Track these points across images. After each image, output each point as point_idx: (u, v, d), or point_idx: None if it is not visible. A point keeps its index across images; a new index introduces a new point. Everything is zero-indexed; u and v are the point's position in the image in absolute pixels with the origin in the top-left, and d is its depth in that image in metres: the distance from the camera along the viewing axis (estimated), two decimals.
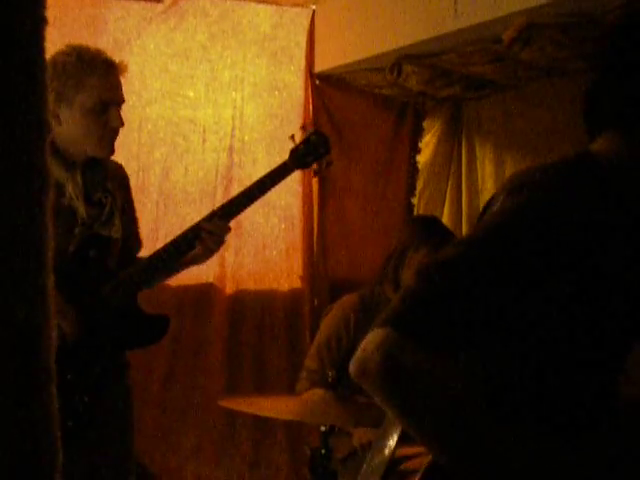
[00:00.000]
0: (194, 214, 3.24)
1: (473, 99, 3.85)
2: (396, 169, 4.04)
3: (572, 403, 1.17)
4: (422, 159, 4.06)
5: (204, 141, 3.72)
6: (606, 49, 1.28)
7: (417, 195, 4.07)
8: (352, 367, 1.11)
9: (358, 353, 1.09)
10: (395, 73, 3.48)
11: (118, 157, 3.49)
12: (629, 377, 1.22)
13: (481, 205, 1.40)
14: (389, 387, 1.08)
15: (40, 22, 0.66)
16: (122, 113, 2.33)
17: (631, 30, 1.25)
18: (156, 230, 3.55)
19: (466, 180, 3.93)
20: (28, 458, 0.59)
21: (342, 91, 3.93)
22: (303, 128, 2.64)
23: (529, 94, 3.54)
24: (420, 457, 2.17)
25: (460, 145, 3.99)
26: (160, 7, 3.61)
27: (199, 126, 3.72)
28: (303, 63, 3.87)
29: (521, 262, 1.11)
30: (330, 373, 2.56)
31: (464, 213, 3.92)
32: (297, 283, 3.86)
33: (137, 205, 3.57)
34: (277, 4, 3.83)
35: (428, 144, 4.05)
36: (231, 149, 3.73)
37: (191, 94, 3.72)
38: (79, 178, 2.28)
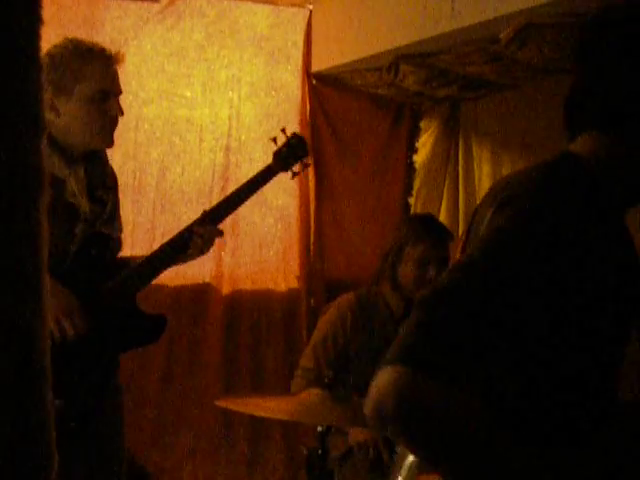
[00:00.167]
0: (191, 213, 3.24)
1: (470, 99, 3.85)
2: (393, 169, 4.05)
3: (583, 415, 1.17)
4: (419, 159, 4.06)
5: (201, 141, 3.72)
6: (584, 48, 1.26)
7: (414, 195, 4.07)
8: (367, 409, 1.06)
9: (372, 394, 1.05)
10: (392, 73, 3.48)
11: (115, 157, 3.50)
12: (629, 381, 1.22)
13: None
14: (410, 429, 1.05)
15: (36, 21, 0.66)
16: None
17: (608, 28, 1.23)
18: (153, 229, 3.55)
19: (463, 180, 3.93)
20: (23, 458, 0.59)
21: (339, 91, 3.93)
22: (283, 131, 2.66)
23: (526, 94, 3.54)
24: None
25: (457, 145, 3.99)
26: (157, 7, 3.61)
27: (196, 126, 3.72)
28: (300, 63, 3.87)
29: (525, 280, 1.08)
30: (327, 373, 2.55)
31: (461, 213, 3.92)
32: (294, 283, 3.86)
33: (134, 204, 3.59)
34: (274, 4, 3.83)
35: (425, 144, 4.05)
36: (228, 149, 3.73)
37: (188, 94, 3.71)
38: (82, 173, 2.26)
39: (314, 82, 3.90)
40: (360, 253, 3.93)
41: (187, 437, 3.61)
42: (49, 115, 2.15)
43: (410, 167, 4.07)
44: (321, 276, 3.90)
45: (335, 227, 3.95)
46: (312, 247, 3.91)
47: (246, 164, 3.73)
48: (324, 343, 2.95)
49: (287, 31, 3.87)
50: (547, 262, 1.09)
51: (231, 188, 3.50)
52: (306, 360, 2.97)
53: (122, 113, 2.30)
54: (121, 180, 3.47)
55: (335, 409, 2.29)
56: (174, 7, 3.64)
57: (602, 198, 1.18)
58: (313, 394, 2.54)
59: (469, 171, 3.91)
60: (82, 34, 3.27)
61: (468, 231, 1.29)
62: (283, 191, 3.81)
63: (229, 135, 3.74)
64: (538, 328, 1.10)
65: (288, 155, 2.61)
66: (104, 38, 3.41)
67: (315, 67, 3.88)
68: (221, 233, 2.50)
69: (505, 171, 3.65)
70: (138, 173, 3.59)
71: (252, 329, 3.78)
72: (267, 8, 3.83)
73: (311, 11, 3.87)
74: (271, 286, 3.85)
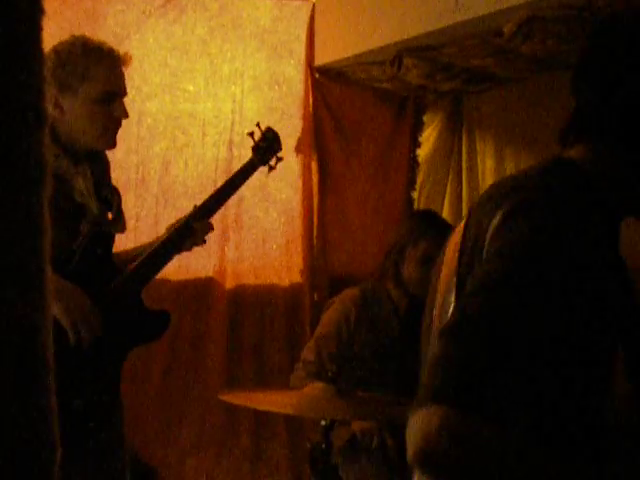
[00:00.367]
0: None
1: (474, 93, 3.84)
2: (396, 163, 4.04)
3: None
4: (422, 153, 4.05)
5: (204, 135, 3.71)
6: (586, 58, 1.24)
7: (417, 189, 4.06)
8: (412, 458, 0.99)
9: (415, 441, 0.97)
10: (395, 67, 3.47)
11: (118, 151, 3.49)
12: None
13: None
14: (466, 471, 0.99)
15: (37, 12, 0.65)
16: None
17: (610, 39, 1.21)
18: (156, 224, 3.54)
19: (466, 174, 3.93)
20: (26, 452, 0.59)
21: (342, 85, 3.92)
22: (258, 125, 2.70)
23: (530, 88, 3.53)
24: None
25: (460, 139, 3.98)
26: (159, 1, 3.60)
27: (199, 120, 3.71)
28: (303, 57, 3.86)
29: (555, 294, 1.02)
30: (330, 367, 2.55)
31: (464, 207, 3.91)
32: (297, 277, 3.86)
33: (137, 199, 3.59)
34: None
35: (428, 138, 4.04)
36: (231, 143, 3.72)
37: (191, 88, 3.71)
38: (89, 173, 2.26)
39: (317, 76, 3.89)
40: (363, 247, 3.92)
41: (190, 431, 3.62)
42: (53, 112, 2.14)
43: (413, 161, 4.06)
44: (324, 270, 3.89)
45: (338, 221, 3.95)
46: (315, 241, 3.90)
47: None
48: (327, 337, 2.95)
49: (290, 25, 3.86)
50: (578, 275, 1.04)
51: None
52: (308, 353, 2.97)
53: (127, 115, 2.30)
54: (124, 175, 3.50)
55: (339, 403, 2.29)
56: (177, 1, 3.63)
57: (602, 207, 1.16)
58: (317, 388, 2.54)
59: (472, 165, 3.90)
60: (85, 28, 3.27)
61: (464, 235, 1.22)
62: (286, 185, 3.80)
63: (232, 129, 3.73)
64: (577, 347, 1.04)
65: (266, 150, 2.66)
66: (106, 32, 3.40)
67: (318, 61, 3.87)
68: (212, 228, 2.55)
69: (508, 165, 3.65)
70: (141, 167, 3.58)
71: (255, 324, 3.78)
72: (270, 2, 3.81)
73: (314, 4, 3.86)
74: (274, 280, 3.85)
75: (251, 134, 2.67)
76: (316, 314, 3.61)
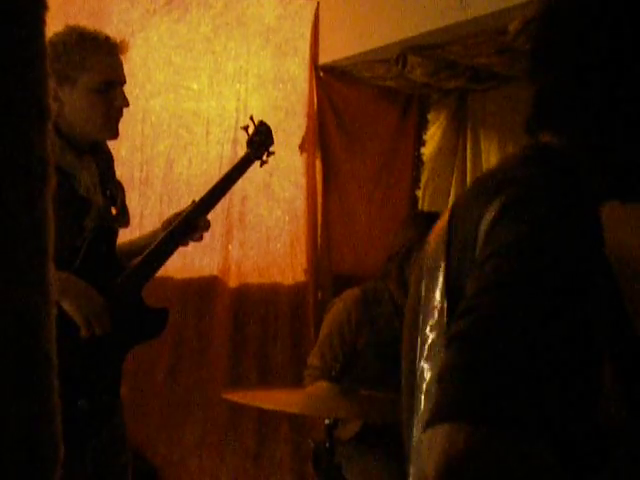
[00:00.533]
0: None
1: (478, 91, 3.83)
2: (401, 161, 4.03)
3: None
4: (427, 151, 4.05)
5: (208, 133, 3.71)
6: (541, 37, 1.16)
7: (422, 187, 4.06)
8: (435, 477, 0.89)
9: (435, 461, 0.88)
10: (400, 65, 3.46)
11: (122, 149, 3.50)
12: None
13: None
14: None
15: (41, 7, 0.65)
16: None
17: (564, 14, 1.12)
18: (160, 222, 3.53)
19: (471, 172, 3.92)
20: (28, 447, 0.58)
21: (347, 83, 3.91)
22: (251, 119, 2.68)
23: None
24: None
25: (465, 137, 3.97)
26: None
27: (203, 118, 3.71)
28: (307, 55, 3.85)
29: (570, 289, 0.95)
30: (334, 365, 2.55)
31: None
32: (301, 276, 3.85)
33: (141, 197, 3.59)
34: None
35: (433, 136, 4.04)
36: (235, 141, 3.72)
37: (195, 86, 3.70)
38: (94, 168, 2.25)
39: (321, 74, 3.88)
40: (368, 246, 3.92)
41: (194, 430, 3.62)
42: (53, 105, 2.12)
43: (418, 159, 4.05)
44: (328, 269, 3.89)
45: (343, 220, 3.94)
46: (320, 240, 3.90)
47: None
48: (331, 339, 2.94)
49: (294, 23, 3.86)
50: (586, 267, 0.98)
51: (238, 181, 3.51)
52: (313, 358, 2.96)
53: (127, 104, 2.28)
54: (128, 173, 3.50)
55: (342, 402, 2.28)
56: None
57: (587, 193, 1.10)
58: (320, 387, 2.53)
59: (477, 163, 3.89)
60: (88, 26, 3.27)
61: (449, 229, 1.16)
62: (290, 184, 3.80)
63: (236, 127, 3.72)
64: (588, 345, 0.97)
65: (260, 144, 2.64)
66: (111, 30, 3.39)
67: (322, 59, 3.86)
68: (209, 225, 2.53)
69: None
70: (145, 166, 3.58)
71: (259, 322, 3.78)
72: (274, 0, 3.81)
73: (318, 3, 3.86)
74: (278, 279, 3.84)
75: (245, 128, 2.66)
76: (320, 313, 3.61)
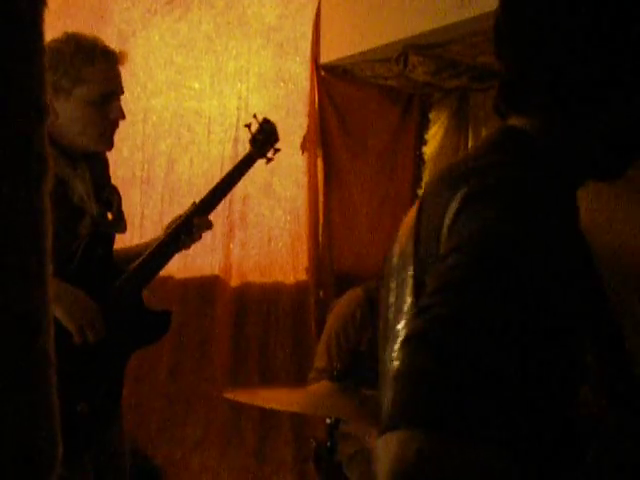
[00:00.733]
0: None
1: (480, 90, 3.82)
2: (402, 161, 4.03)
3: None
4: (428, 150, 4.04)
5: (209, 132, 3.71)
6: (506, 15, 1.12)
7: (423, 187, 4.05)
8: None
9: (390, 469, 0.84)
10: (401, 64, 3.46)
11: (123, 149, 3.50)
12: None
13: None
14: None
15: (40, 4, 0.65)
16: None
17: (522, 10, 1.09)
18: (161, 221, 3.54)
19: None
20: (27, 445, 0.58)
21: (348, 82, 3.91)
22: (255, 117, 2.64)
23: None
24: None
25: (467, 136, 3.97)
26: None
27: (204, 117, 3.71)
28: (309, 54, 3.85)
29: (532, 283, 0.90)
30: (336, 365, 2.55)
31: None
32: (302, 275, 3.85)
33: (142, 196, 3.59)
34: None
35: (434, 136, 4.03)
36: (236, 140, 3.72)
37: (196, 85, 3.70)
38: (87, 175, 2.23)
39: (323, 73, 3.88)
40: (369, 245, 3.91)
41: (195, 429, 3.62)
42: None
43: (419, 159, 4.05)
44: (330, 268, 3.88)
45: (344, 219, 3.94)
46: (321, 239, 3.89)
47: None
48: (336, 341, 2.94)
49: (296, 22, 3.85)
50: (552, 259, 0.92)
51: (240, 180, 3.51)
52: (319, 361, 2.96)
53: (123, 116, 2.25)
54: (129, 172, 3.51)
55: (344, 402, 2.28)
56: None
57: (560, 178, 1.08)
58: (322, 386, 2.53)
59: None
60: (90, 25, 3.28)
61: (417, 223, 1.13)
62: (292, 183, 3.80)
63: (237, 127, 3.72)
64: (559, 340, 0.93)
65: (263, 141, 2.60)
66: (112, 29, 3.40)
67: (324, 58, 3.86)
68: (211, 225, 2.50)
69: None
70: (146, 165, 3.59)
71: (260, 321, 3.78)
72: None
73: (320, 2, 3.85)
74: (280, 278, 3.84)
75: (248, 126, 2.62)
76: (321, 312, 3.61)
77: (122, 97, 2.28)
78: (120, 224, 2.37)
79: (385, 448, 0.85)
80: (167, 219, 3.52)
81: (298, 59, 3.85)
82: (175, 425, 3.60)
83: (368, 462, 2.78)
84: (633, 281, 2.95)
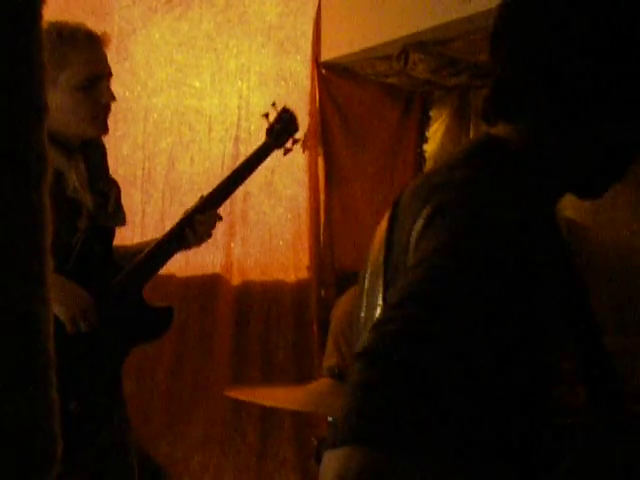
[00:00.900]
0: None
1: (481, 88, 3.82)
2: (403, 158, 4.03)
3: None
4: (429, 148, 4.04)
5: (210, 131, 3.71)
6: (506, 17, 1.12)
7: None
8: None
9: None
10: (402, 62, 3.45)
11: (124, 147, 3.50)
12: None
13: None
14: None
15: (38, 1, 0.65)
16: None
17: (520, 14, 1.09)
18: (162, 220, 3.54)
19: None
20: (27, 444, 0.58)
21: (349, 80, 3.90)
22: (273, 105, 2.58)
23: None
24: None
25: (468, 134, 3.96)
26: None
27: (205, 116, 3.71)
28: (309, 52, 3.84)
29: (498, 302, 0.88)
30: (338, 363, 2.54)
31: None
32: (304, 273, 3.85)
33: (143, 195, 3.59)
34: None
35: (435, 133, 4.03)
36: (237, 139, 3.72)
37: (197, 84, 3.70)
38: (82, 167, 2.20)
39: (323, 71, 3.88)
40: (370, 243, 3.91)
41: (197, 427, 3.62)
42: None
43: (420, 156, 4.05)
44: (331, 266, 3.88)
45: (345, 217, 3.94)
46: (322, 237, 3.89)
47: None
48: (344, 335, 2.94)
49: (296, 20, 3.85)
50: (514, 275, 0.90)
51: None
52: (329, 359, 2.95)
53: (113, 98, 2.21)
54: (130, 170, 3.50)
55: None
56: None
57: (538, 190, 1.05)
58: (323, 384, 2.53)
59: None
60: (90, 23, 3.25)
61: (389, 230, 1.13)
62: (293, 181, 3.79)
63: (238, 125, 3.72)
64: (525, 355, 0.91)
65: (281, 131, 2.54)
66: (112, 27, 3.40)
67: (325, 56, 3.85)
68: (220, 218, 2.45)
69: None
70: (147, 163, 3.58)
71: (262, 320, 3.78)
72: None
73: (320, 0, 3.85)
74: (281, 277, 3.84)
75: (266, 115, 2.56)
76: (323, 310, 3.61)
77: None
78: (118, 216, 2.33)
79: (328, 465, 0.83)
80: (168, 217, 3.54)
81: (299, 57, 3.85)
82: (177, 424, 3.60)
83: None
84: (636, 279, 2.94)
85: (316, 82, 3.86)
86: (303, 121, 3.83)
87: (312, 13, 3.85)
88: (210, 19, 3.69)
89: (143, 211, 3.54)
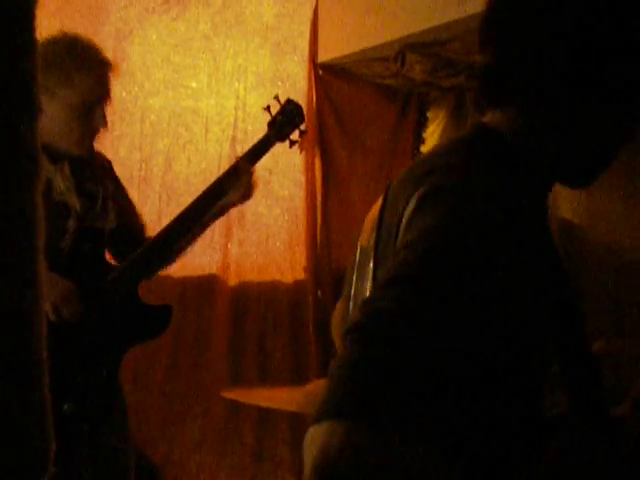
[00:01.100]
0: None
1: None
2: (400, 159, 4.03)
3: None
4: (426, 149, 4.04)
5: (207, 132, 3.71)
6: (497, 23, 1.13)
7: None
8: (309, 477, 0.86)
9: (311, 457, 0.84)
10: (399, 63, 3.46)
11: (121, 148, 3.50)
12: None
13: None
14: None
15: (32, 0, 0.65)
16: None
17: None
18: (159, 221, 3.53)
19: None
20: (19, 444, 0.58)
21: (345, 81, 3.91)
22: (276, 98, 2.53)
23: None
24: None
25: None
26: None
27: (202, 117, 3.71)
28: (306, 53, 3.85)
29: (486, 285, 0.89)
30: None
31: None
32: (300, 274, 3.85)
33: (140, 195, 3.59)
34: None
35: (432, 134, 4.03)
36: (234, 140, 3.72)
37: (194, 85, 3.70)
38: (67, 170, 2.18)
39: (320, 72, 3.88)
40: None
41: (194, 428, 3.61)
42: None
43: (417, 157, 4.05)
44: (328, 267, 3.88)
45: (342, 218, 3.94)
46: (319, 238, 3.89)
47: None
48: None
49: (293, 21, 3.85)
50: (500, 261, 0.91)
51: None
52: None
53: (105, 124, 2.20)
54: (127, 171, 3.50)
55: None
56: None
57: (528, 178, 1.06)
58: (320, 385, 2.53)
59: None
60: (87, 24, 3.27)
61: (380, 216, 1.13)
62: (290, 182, 3.80)
63: (235, 126, 3.72)
64: (506, 343, 0.91)
65: (284, 123, 2.48)
66: (109, 28, 3.40)
67: (321, 57, 3.86)
68: (221, 214, 2.45)
69: None
70: (144, 164, 3.58)
71: (258, 321, 3.78)
72: None
73: (317, 1, 3.85)
74: (278, 277, 3.84)
75: (267, 108, 2.50)
76: (320, 311, 3.61)
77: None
78: (106, 217, 2.30)
79: (311, 439, 0.85)
80: (165, 218, 3.53)
81: (296, 58, 3.85)
82: (173, 424, 3.60)
83: None
84: (633, 280, 2.95)
85: (313, 83, 3.86)
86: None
87: (309, 14, 3.85)
88: (207, 20, 3.70)
89: (140, 212, 3.53)
